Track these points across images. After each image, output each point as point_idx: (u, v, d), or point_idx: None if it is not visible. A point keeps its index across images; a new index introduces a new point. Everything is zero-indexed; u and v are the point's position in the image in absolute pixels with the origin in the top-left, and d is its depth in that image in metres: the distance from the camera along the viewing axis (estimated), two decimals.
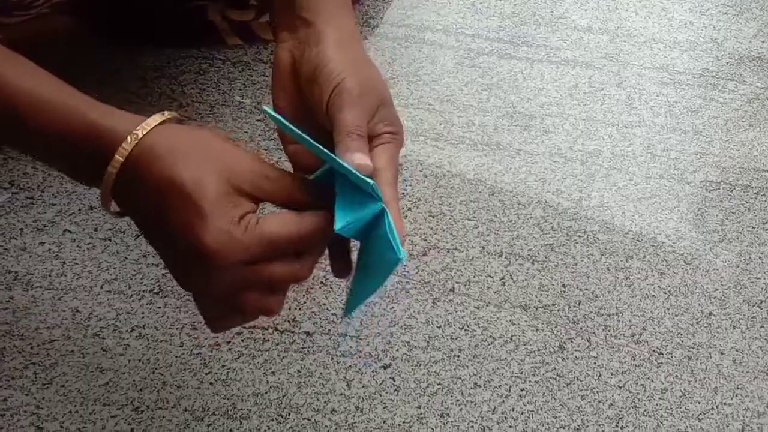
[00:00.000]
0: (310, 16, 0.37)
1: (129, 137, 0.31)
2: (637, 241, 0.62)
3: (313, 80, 0.36)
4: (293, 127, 0.34)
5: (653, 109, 0.74)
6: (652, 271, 0.60)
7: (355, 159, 0.33)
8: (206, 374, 0.50)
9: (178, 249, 0.31)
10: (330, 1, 0.37)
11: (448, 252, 0.59)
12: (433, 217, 0.61)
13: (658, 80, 0.78)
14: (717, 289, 0.60)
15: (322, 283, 0.56)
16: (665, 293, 0.59)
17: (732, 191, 0.68)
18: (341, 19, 0.37)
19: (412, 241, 0.59)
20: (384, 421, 0.49)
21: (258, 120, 0.66)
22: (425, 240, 0.59)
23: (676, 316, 0.58)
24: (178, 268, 0.33)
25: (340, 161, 0.33)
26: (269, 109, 0.35)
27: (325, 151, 0.34)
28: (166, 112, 0.33)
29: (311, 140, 0.34)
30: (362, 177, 0.33)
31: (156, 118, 0.32)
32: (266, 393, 0.50)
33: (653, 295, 0.59)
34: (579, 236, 0.62)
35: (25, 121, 0.31)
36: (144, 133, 0.31)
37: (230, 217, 0.30)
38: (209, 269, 0.30)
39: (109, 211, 0.34)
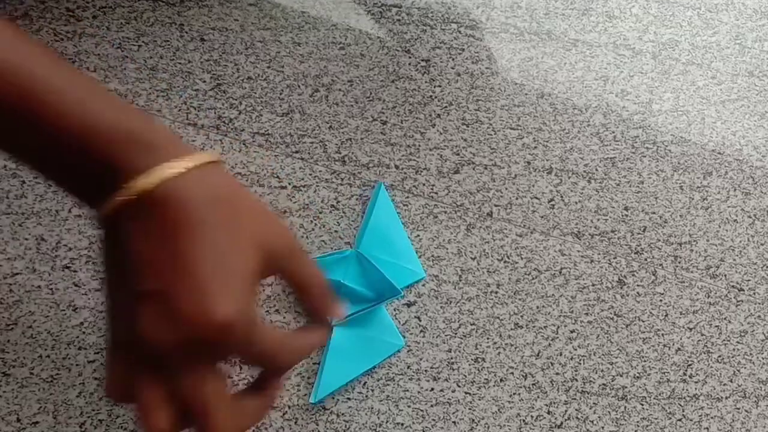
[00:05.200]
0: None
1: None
2: (718, 154, 0.58)
3: None
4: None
5: None
6: (734, 190, 0.57)
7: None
8: None
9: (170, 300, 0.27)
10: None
11: (485, 168, 0.54)
12: (468, 126, 0.56)
13: None
14: None
15: (332, 206, 0.51)
16: (750, 218, 0.56)
17: None
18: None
19: (441, 156, 0.54)
20: (408, 367, 0.47)
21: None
22: (457, 154, 0.54)
23: (761, 245, 0.55)
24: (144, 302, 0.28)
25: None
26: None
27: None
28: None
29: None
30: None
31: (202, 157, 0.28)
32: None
33: (735, 220, 0.56)
34: (647, 148, 0.58)
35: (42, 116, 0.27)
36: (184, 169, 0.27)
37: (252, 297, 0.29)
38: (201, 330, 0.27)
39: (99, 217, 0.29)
